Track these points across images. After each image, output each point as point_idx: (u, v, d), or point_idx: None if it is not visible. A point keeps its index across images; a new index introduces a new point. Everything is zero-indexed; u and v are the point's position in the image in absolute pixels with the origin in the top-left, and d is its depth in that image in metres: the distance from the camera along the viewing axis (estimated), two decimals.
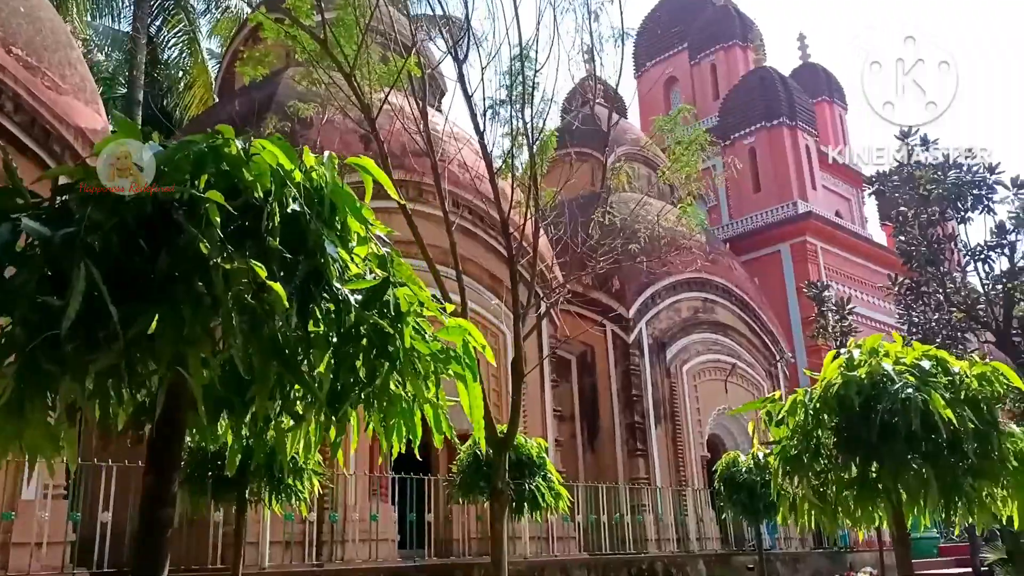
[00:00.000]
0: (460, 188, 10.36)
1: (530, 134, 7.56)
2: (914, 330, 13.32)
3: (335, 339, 1.80)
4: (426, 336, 1.94)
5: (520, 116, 7.87)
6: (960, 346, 13.35)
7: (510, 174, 8.42)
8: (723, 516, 11.34)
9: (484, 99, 7.70)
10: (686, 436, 15.37)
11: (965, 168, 12.24)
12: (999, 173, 12.18)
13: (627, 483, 13.90)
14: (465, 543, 9.67)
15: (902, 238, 13.20)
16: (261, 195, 1.86)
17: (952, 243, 12.71)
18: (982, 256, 12.16)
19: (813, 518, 4.03)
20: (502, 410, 12.51)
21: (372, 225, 2.00)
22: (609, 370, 15.50)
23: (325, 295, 1.79)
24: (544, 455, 8.07)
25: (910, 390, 3.71)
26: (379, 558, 8.75)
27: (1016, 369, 12.16)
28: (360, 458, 10.43)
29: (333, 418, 2.15)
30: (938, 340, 13.13)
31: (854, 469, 3.84)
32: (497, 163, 8.22)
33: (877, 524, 4.10)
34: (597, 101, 21.35)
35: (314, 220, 1.86)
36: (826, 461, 3.93)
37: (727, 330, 17.19)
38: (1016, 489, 3.93)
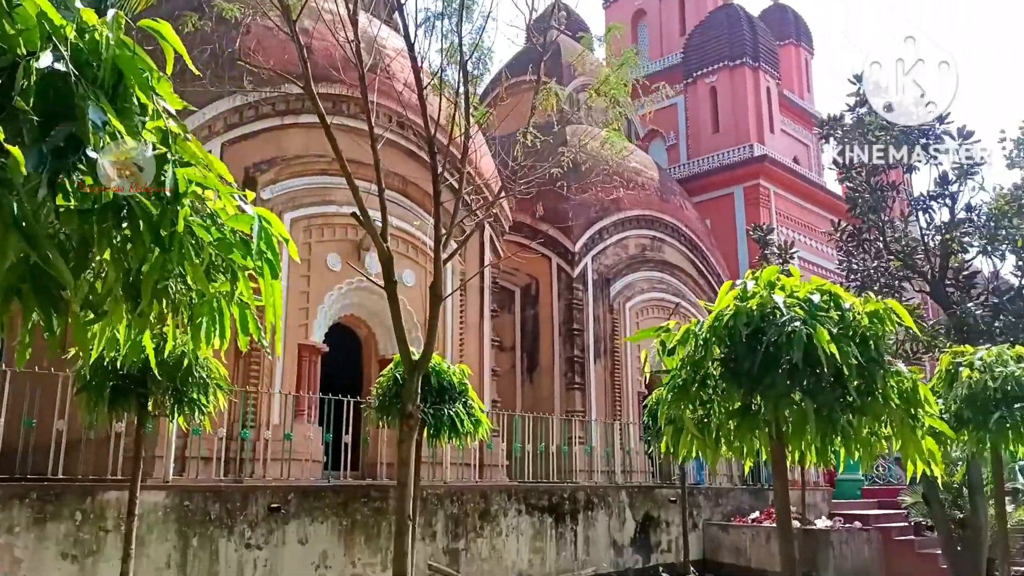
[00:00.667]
0: (402, 106, 10.03)
1: (462, 48, 7.27)
2: (853, 277, 13.37)
3: (95, 217, 1.61)
4: (215, 223, 1.76)
5: (456, 31, 7.59)
6: (897, 294, 13.46)
7: (448, 91, 8.16)
8: (650, 450, 11.51)
9: (417, 11, 7.35)
10: (624, 372, 15.48)
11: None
12: (948, 123, 12.14)
13: (563, 415, 14.01)
14: (386, 466, 9.66)
15: (849, 184, 13.15)
16: (25, 52, 1.65)
17: (896, 191, 12.72)
18: (923, 206, 12.20)
19: (695, 448, 3.98)
20: (437, 335, 12.43)
21: (161, 97, 1.80)
22: (552, 303, 15.47)
23: (82, 166, 1.60)
24: (466, 382, 8.01)
25: (797, 323, 3.63)
26: (297, 477, 8.71)
27: (947, 318, 12.35)
28: (287, 377, 10.32)
29: (132, 314, 1.98)
30: (876, 287, 13.25)
31: (737, 400, 3.78)
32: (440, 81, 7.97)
33: (763, 457, 4.06)
34: (562, 30, 20.87)
35: (83, 84, 1.65)
36: (711, 392, 3.87)
37: (674, 269, 17.21)
38: (900, 428, 3.92)
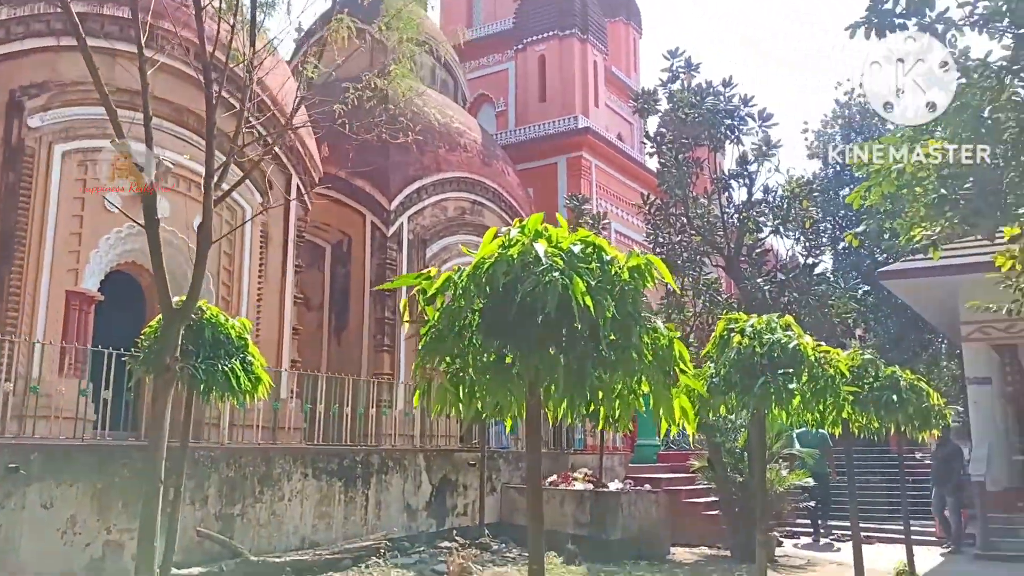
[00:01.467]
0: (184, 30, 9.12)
1: None
2: (659, 250, 13.82)
3: None
4: None
5: None
6: (699, 268, 14.04)
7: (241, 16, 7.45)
8: (451, 413, 11.35)
9: None
10: None
11: (724, 97, 12.64)
12: (751, 106, 12.71)
13: (371, 377, 13.59)
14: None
15: (662, 161, 13.53)
16: None
17: (701, 168, 13.21)
18: (724, 184, 12.74)
19: (449, 404, 3.73)
20: (232, 289, 11.65)
21: None
22: (365, 262, 14.95)
23: None
24: (246, 336, 7.43)
25: (556, 273, 3.43)
26: (44, 435, 7.81)
27: (739, 293, 13.03)
28: (51, 327, 9.28)
29: None
30: (680, 261, 13.75)
31: (492, 353, 3.56)
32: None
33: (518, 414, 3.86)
34: None
35: None
36: (468, 344, 3.62)
37: None
38: (655, 385, 3.84)
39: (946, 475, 13.57)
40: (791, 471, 13.83)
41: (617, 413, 3.93)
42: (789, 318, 6.45)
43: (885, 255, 19.60)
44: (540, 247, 3.52)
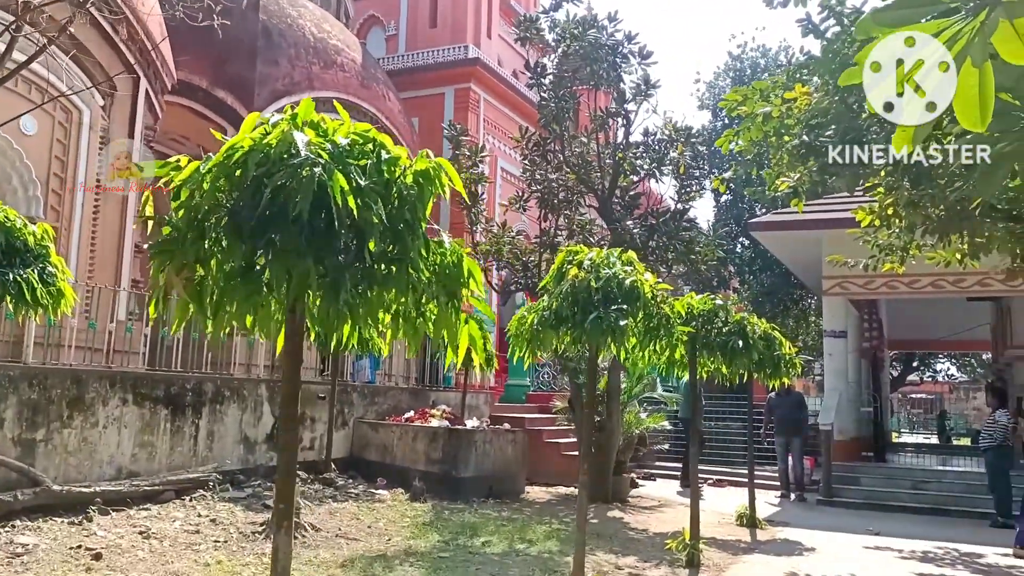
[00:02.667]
0: None
1: None
2: (536, 187, 13.42)
3: None
4: None
5: None
6: (575, 208, 13.74)
7: None
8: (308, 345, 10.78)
9: None
10: None
11: (608, 31, 12.20)
12: (635, 43, 12.32)
13: None
14: None
15: (541, 95, 13.02)
16: None
17: (578, 103, 12.81)
18: (601, 123, 12.39)
19: (193, 318, 3.21)
20: (64, 199, 10.63)
21: None
22: None
23: None
24: (48, 244, 6.64)
25: (318, 168, 2.94)
26: None
27: (611, 231, 12.79)
28: None
29: None
30: (557, 199, 13.40)
31: (240, 258, 3.05)
32: None
33: (276, 333, 3.39)
34: None
35: None
36: (212, 247, 3.10)
37: None
38: (437, 309, 3.43)
39: (793, 424, 13.86)
40: (650, 414, 13.98)
41: (398, 335, 3.51)
42: (632, 254, 6.17)
43: (765, 209, 19.91)
44: (302, 136, 3.01)
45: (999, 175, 5.44)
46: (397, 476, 10.94)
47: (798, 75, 9.35)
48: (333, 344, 3.50)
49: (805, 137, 8.50)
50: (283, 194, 2.94)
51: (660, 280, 6.13)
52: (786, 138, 8.88)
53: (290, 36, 14.87)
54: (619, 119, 12.53)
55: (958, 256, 9.30)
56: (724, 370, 9.05)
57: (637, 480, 14.11)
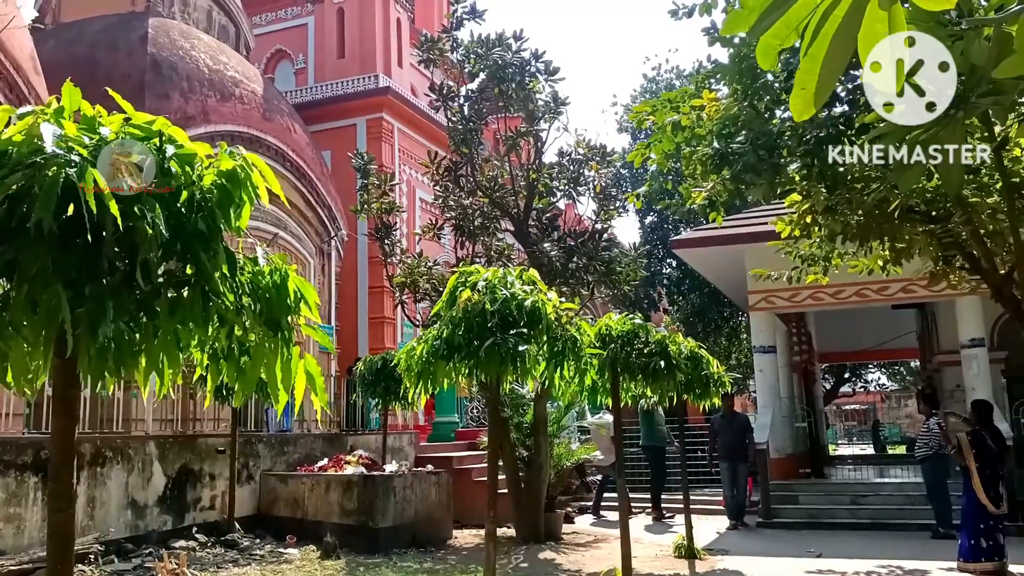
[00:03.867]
0: None
1: None
2: (450, 213, 12.84)
3: None
4: None
5: None
6: (494, 234, 13.17)
7: None
8: (199, 394, 9.88)
9: None
10: None
11: (514, 49, 11.77)
12: (542, 60, 11.92)
13: None
14: None
15: (448, 117, 12.50)
16: None
17: (486, 124, 12.31)
18: (512, 143, 11.90)
19: None
20: None
21: None
22: None
23: None
24: None
25: (72, 169, 2.26)
26: None
27: (528, 255, 12.26)
28: None
29: None
30: (474, 225, 12.81)
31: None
32: None
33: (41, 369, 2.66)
34: None
35: None
36: None
37: (274, 197, 15.48)
38: (258, 341, 2.77)
39: (739, 449, 12.99)
40: (581, 444, 13.39)
41: (220, 377, 2.83)
42: (533, 272, 5.61)
43: (689, 226, 19.71)
44: (52, 129, 2.34)
45: (916, 168, 5.05)
46: (310, 531, 10.06)
47: (706, 84, 9.03)
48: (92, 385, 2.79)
49: (716, 144, 8.13)
50: (25, 202, 2.26)
51: (582, 303, 5.59)
52: (699, 148, 8.51)
53: (182, 68, 14.06)
54: (530, 139, 12.04)
55: (880, 263, 9.03)
56: (649, 393, 8.54)
57: (570, 514, 13.45)
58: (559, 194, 12.58)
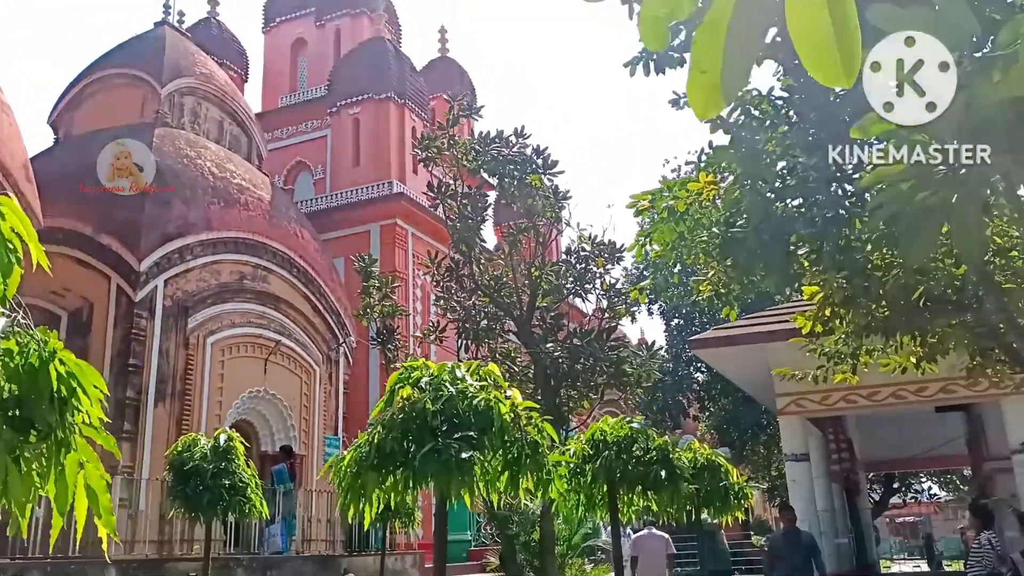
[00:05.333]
0: None
1: None
2: (452, 315, 12.28)
3: None
4: None
5: None
6: (500, 335, 12.53)
7: None
8: (171, 512, 9.13)
9: None
10: (197, 419, 12.98)
11: (514, 145, 11.46)
12: (544, 156, 11.58)
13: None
14: None
15: (447, 215, 12.13)
16: None
17: (484, 220, 11.87)
18: (512, 238, 11.42)
19: None
20: None
21: None
22: (107, 332, 12.63)
23: None
24: None
25: None
26: None
27: (531, 356, 11.53)
28: None
29: None
30: (479, 326, 12.20)
31: None
32: None
33: None
34: (183, 32, 18.42)
35: None
36: None
37: (280, 303, 15.15)
38: (50, 456, 2.09)
39: (803, 573, 10.86)
40: (595, 565, 12.25)
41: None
42: (493, 367, 4.90)
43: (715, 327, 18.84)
44: None
45: (927, 238, 4.33)
46: None
47: (708, 170, 8.52)
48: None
49: (715, 229, 7.50)
50: None
51: (593, 407, 4.84)
52: (703, 236, 7.89)
53: (185, 176, 13.99)
54: (531, 233, 11.55)
55: (912, 360, 8.16)
56: (654, 507, 7.60)
57: None
58: (565, 292, 11.97)
